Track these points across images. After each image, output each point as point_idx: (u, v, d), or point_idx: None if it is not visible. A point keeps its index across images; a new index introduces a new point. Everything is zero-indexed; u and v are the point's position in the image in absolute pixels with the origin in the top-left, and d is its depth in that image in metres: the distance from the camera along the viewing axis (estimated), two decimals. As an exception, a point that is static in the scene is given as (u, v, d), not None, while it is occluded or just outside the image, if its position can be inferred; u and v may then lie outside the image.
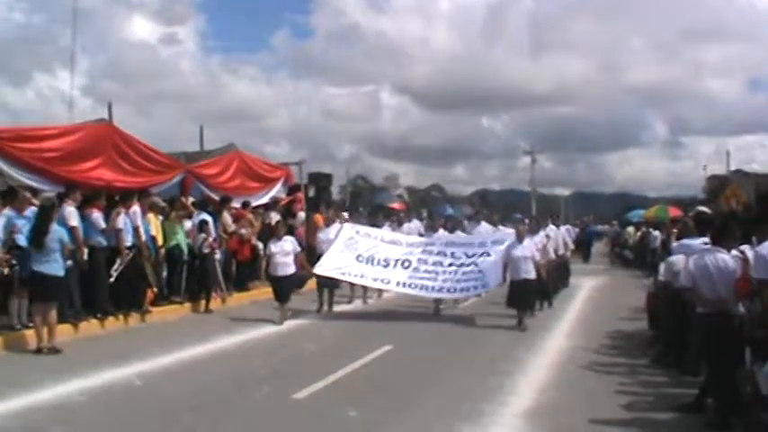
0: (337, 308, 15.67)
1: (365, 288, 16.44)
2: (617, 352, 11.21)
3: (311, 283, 16.64)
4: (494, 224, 21.66)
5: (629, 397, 8.20)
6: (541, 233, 16.15)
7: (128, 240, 13.10)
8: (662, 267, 10.44)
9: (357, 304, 16.69)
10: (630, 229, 35.73)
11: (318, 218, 20.04)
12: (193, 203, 16.73)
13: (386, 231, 17.40)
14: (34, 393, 8.02)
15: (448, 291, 14.36)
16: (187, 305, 15.20)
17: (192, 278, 15.51)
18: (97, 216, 12.72)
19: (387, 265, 14.85)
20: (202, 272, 15.52)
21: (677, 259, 9.60)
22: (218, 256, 16.05)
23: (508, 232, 17.01)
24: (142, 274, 13.57)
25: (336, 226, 16.43)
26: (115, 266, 12.83)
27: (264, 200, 20.57)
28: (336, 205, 28.74)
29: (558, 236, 18.79)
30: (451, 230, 17.72)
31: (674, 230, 13.05)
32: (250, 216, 18.09)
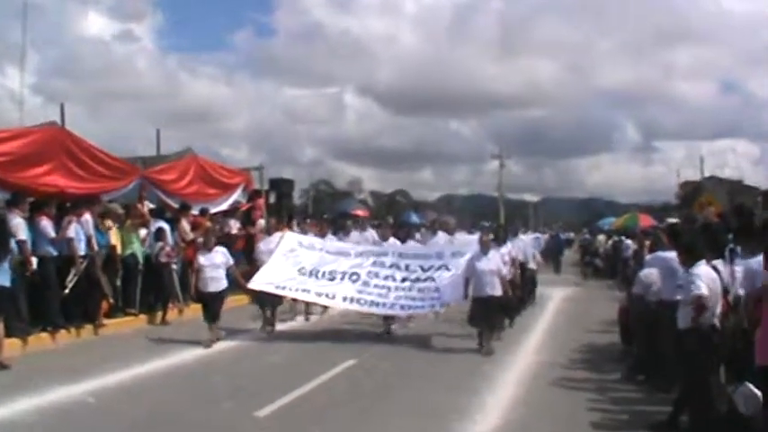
0: (280, 326, 14.78)
1: (307, 303, 15.52)
2: (588, 367, 11.25)
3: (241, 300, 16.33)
4: (449, 233, 20.33)
5: (601, 414, 8.26)
6: (508, 244, 15.11)
7: (80, 249, 12.98)
8: (636, 279, 10.46)
9: (300, 321, 16.01)
10: (601, 237, 36.17)
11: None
12: (150, 211, 16.63)
13: (331, 241, 16.40)
14: (-20, 413, 7.84)
15: (401, 308, 13.45)
16: (143, 317, 15.08)
17: (147, 289, 15.38)
18: (46, 224, 12.59)
19: (333, 279, 13.93)
20: (159, 282, 15.42)
21: (651, 272, 9.70)
22: (175, 265, 15.96)
23: (469, 240, 16.91)
24: (96, 285, 13.46)
25: (279, 236, 15.34)
26: (69, 277, 12.71)
27: (223, 207, 20.50)
28: (298, 211, 28.61)
29: (526, 246, 18.69)
30: (403, 240, 16.55)
31: (647, 242, 13.20)
32: (208, 223, 17.99)
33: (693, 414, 7.17)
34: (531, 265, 18.79)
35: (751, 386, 6.08)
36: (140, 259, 15.18)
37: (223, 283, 13.02)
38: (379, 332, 14.04)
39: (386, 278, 13.90)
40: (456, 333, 13.75)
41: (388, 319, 14.17)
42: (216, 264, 12.95)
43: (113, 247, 14.44)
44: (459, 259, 13.61)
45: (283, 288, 13.74)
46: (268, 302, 14.16)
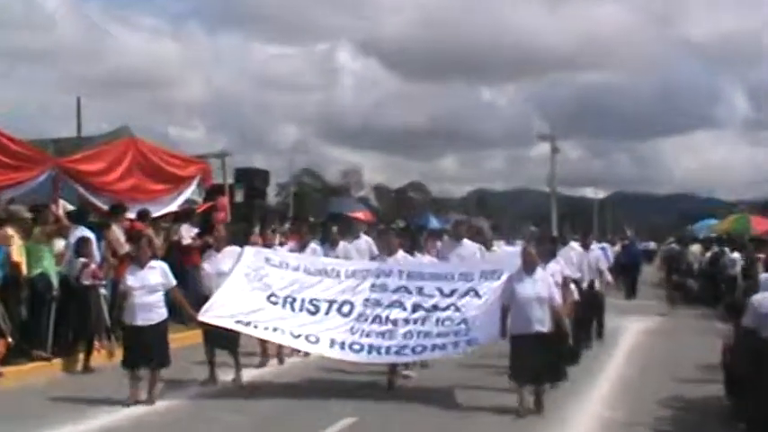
0: (247, 372, 14.38)
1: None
2: (680, 429, 11.23)
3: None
4: (483, 242, 19.09)
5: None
6: (559, 260, 14.39)
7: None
8: (747, 307, 10.43)
9: (273, 366, 15.57)
10: (695, 248, 35.75)
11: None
12: (68, 214, 16.52)
13: (313, 256, 15.98)
14: None
15: (413, 351, 12.94)
16: (57, 362, 14.90)
17: (64, 322, 15.19)
18: None
19: (315, 311, 13.46)
20: (81, 313, 15.23)
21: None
22: (103, 290, 15.78)
23: (507, 253, 16.58)
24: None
25: (231, 250, 14.50)
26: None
27: (172, 208, 20.49)
28: (276, 215, 28.55)
29: (587, 261, 17.84)
30: (415, 251, 15.86)
31: (761, 255, 12.98)
32: (150, 231, 17.79)
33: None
34: (598, 284, 18.27)
35: None
36: (54, 282, 14.99)
37: (160, 314, 12.63)
38: (384, 384, 13.66)
39: (390, 307, 13.42)
40: (485, 385, 13.55)
41: (393, 366, 13.72)
42: (150, 285, 12.51)
43: (15, 265, 14.24)
44: (492, 282, 13.17)
45: (247, 324, 13.18)
46: (222, 342, 13.66)
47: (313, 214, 41.89)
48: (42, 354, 14.77)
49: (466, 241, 17.98)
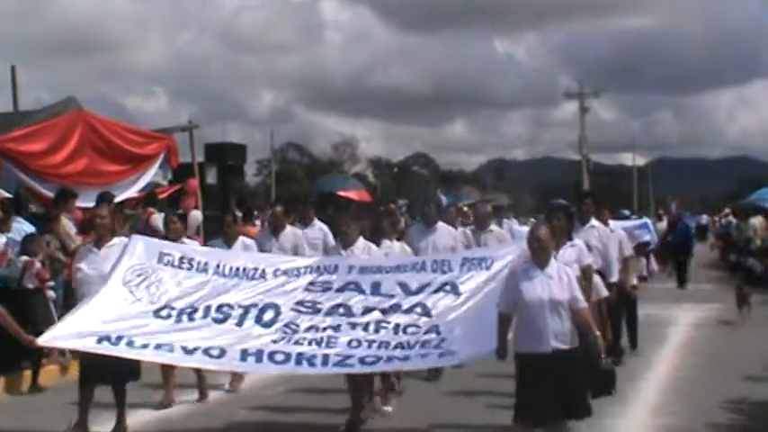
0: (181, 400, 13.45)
1: None
2: None
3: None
4: (456, 222, 17.71)
5: None
6: (576, 244, 12.53)
7: None
8: None
9: (218, 395, 14.32)
10: (756, 221, 35.27)
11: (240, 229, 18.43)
12: (4, 203, 16.22)
13: (233, 252, 13.81)
14: None
15: (361, 362, 10.82)
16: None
17: (5, 334, 14.68)
18: None
19: (224, 319, 11.47)
20: (25, 322, 14.65)
21: None
22: (52, 291, 15.62)
23: (520, 235, 15.39)
24: None
25: (118, 242, 12.35)
26: None
27: (131, 192, 20.26)
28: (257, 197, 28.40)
29: (613, 241, 15.62)
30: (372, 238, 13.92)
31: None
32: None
33: None
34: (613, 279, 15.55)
35: None
36: (-8, 286, 14.83)
37: None
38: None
39: (332, 312, 11.49)
40: (485, 420, 12.03)
41: (358, 388, 11.93)
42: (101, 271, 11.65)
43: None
44: (478, 274, 11.51)
45: (117, 341, 10.80)
46: (100, 373, 11.57)
47: (301, 195, 41.57)
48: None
49: (441, 225, 16.48)
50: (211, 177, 24.49)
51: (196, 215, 20.77)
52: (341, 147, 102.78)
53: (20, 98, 20.01)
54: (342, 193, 37.27)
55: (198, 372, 13.34)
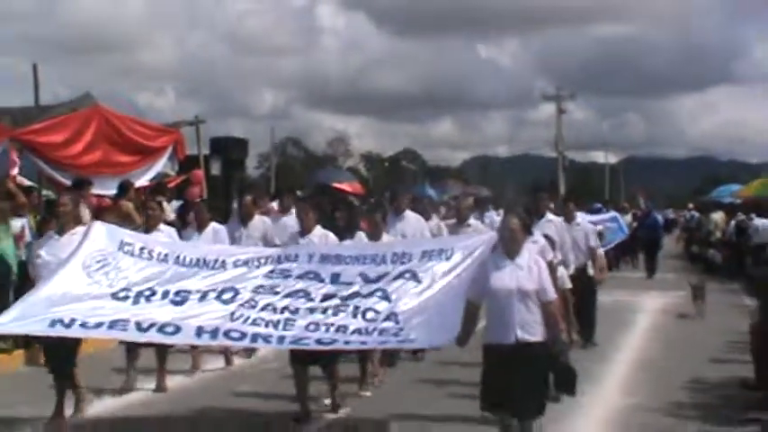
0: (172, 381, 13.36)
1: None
2: (704, 415, 11.22)
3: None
4: (427, 213, 17.23)
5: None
6: (537, 239, 11.90)
7: None
8: None
9: (218, 367, 14.67)
10: (717, 215, 35.60)
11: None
12: (27, 191, 16.52)
13: (193, 243, 13.73)
14: None
15: (318, 342, 10.12)
16: (19, 353, 15.01)
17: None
18: None
19: (182, 302, 10.67)
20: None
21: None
22: None
23: (490, 224, 16.17)
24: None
25: (81, 230, 11.34)
26: None
27: (142, 181, 20.40)
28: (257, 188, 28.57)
29: (570, 237, 15.73)
30: (343, 229, 14.13)
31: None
32: (129, 204, 17.39)
33: None
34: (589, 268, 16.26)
35: None
36: (13, 266, 15.00)
37: None
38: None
39: (291, 296, 10.81)
40: (452, 411, 11.69)
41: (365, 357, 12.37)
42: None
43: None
44: (439, 264, 10.77)
45: (70, 324, 9.88)
46: (60, 361, 11.51)
47: (298, 187, 41.96)
48: (3, 344, 14.93)
49: (409, 214, 16.09)
50: (215, 169, 24.53)
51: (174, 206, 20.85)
52: (335, 142, 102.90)
53: (40, 94, 20.28)
54: (336, 185, 37.60)
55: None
